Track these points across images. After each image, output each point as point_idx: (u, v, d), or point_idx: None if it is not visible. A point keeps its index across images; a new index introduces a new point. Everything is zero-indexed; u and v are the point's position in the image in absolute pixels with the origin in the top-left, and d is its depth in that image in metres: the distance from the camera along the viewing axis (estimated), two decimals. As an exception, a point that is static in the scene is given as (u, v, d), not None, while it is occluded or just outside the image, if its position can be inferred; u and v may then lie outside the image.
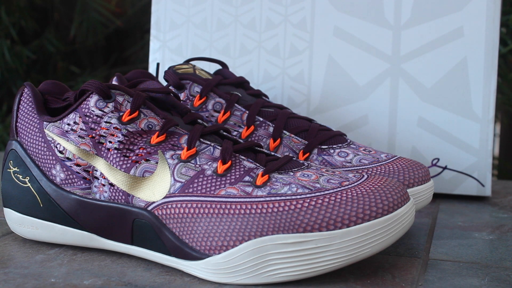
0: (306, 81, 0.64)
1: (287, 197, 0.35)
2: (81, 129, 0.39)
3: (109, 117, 0.39)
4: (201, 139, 0.39)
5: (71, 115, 0.40)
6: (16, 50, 1.17)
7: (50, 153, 0.40)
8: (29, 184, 0.41)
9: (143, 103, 0.39)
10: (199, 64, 0.67)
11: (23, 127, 0.42)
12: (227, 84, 0.52)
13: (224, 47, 0.67)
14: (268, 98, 0.55)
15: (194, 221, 0.36)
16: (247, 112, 0.50)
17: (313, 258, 0.34)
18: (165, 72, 0.51)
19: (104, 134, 0.39)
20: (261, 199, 0.35)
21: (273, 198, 0.35)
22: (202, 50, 0.67)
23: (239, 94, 0.51)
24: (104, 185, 0.39)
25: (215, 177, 0.37)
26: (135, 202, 0.38)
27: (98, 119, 0.39)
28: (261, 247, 0.34)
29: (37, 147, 0.41)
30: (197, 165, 0.38)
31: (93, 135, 0.39)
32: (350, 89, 0.63)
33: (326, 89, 0.64)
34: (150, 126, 0.39)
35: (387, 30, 0.62)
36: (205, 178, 0.37)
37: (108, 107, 0.39)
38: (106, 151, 0.39)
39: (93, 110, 0.39)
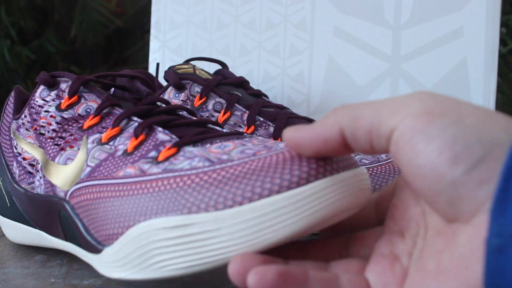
0: (306, 81, 0.64)
1: (181, 173, 0.29)
2: (27, 121, 0.38)
3: (49, 105, 0.37)
4: (135, 118, 0.34)
5: (25, 110, 0.39)
6: (16, 50, 1.17)
7: (11, 151, 0.40)
8: (1, 184, 0.41)
9: (82, 85, 0.37)
10: (199, 64, 0.67)
11: (2, 129, 0.42)
12: (227, 84, 0.52)
13: (224, 47, 0.67)
14: (268, 98, 0.55)
15: (94, 207, 0.32)
16: (248, 112, 0.50)
17: (200, 245, 0.27)
18: (165, 72, 0.51)
19: (43, 124, 0.37)
20: (153, 177, 0.30)
21: (165, 175, 0.29)
22: (202, 50, 0.67)
23: (239, 94, 0.51)
24: (41, 177, 0.37)
25: (122, 157, 0.32)
26: (58, 192, 0.35)
27: (40, 109, 0.37)
28: (142, 233, 0.28)
29: (6, 146, 0.41)
30: (113, 147, 0.33)
31: (36, 126, 0.38)
32: (350, 89, 0.63)
33: (326, 89, 0.64)
34: (88, 110, 0.36)
35: (387, 30, 0.62)
36: (112, 160, 0.33)
37: (50, 95, 0.37)
38: (45, 141, 0.37)
39: (37, 101, 0.38)
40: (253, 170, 0.27)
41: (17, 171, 0.39)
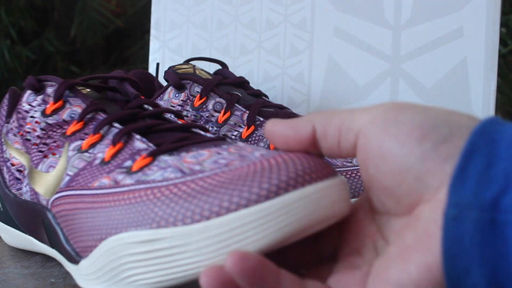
0: (306, 81, 0.64)
1: (152, 185, 0.28)
2: (15, 127, 0.37)
3: (35, 111, 0.36)
4: (116, 124, 0.34)
5: (14, 115, 0.38)
6: (16, 50, 1.17)
7: (2, 155, 0.39)
8: None
9: (67, 89, 0.36)
10: (199, 64, 0.67)
11: None
12: (227, 84, 0.52)
13: (224, 47, 0.67)
14: (268, 98, 0.55)
15: (72, 218, 0.32)
16: (248, 112, 0.50)
17: (169, 260, 0.26)
18: (165, 72, 0.51)
19: (28, 130, 0.36)
20: (125, 188, 0.29)
21: (137, 187, 0.29)
22: (202, 50, 0.67)
23: (239, 94, 0.51)
24: (27, 184, 0.36)
25: (99, 166, 0.32)
26: (41, 200, 0.35)
27: (26, 114, 0.37)
28: (113, 247, 0.28)
29: None
30: (92, 155, 0.33)
31: (22, 132, 0.37)
32: (350, 89, 0.63)
33: (326, 89, 0.64)
34: (72, 115, 0.35)
35: (387, 30, 0.62)
36: (90, 169, 0.32)
37: (36, 100, 0.36)
38: (31, 147, 0.36)
39: (23, 106, 0.37)
40: (222, 183, 0.26)
41: (7, 176, 0.38)
